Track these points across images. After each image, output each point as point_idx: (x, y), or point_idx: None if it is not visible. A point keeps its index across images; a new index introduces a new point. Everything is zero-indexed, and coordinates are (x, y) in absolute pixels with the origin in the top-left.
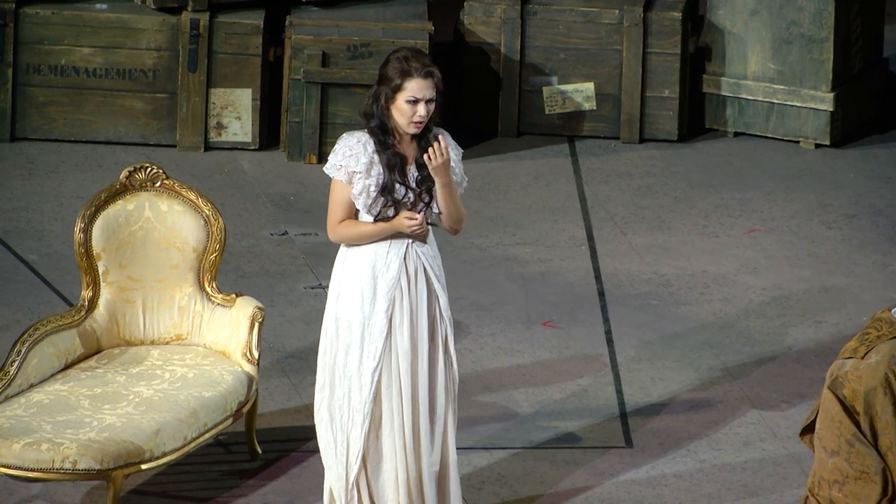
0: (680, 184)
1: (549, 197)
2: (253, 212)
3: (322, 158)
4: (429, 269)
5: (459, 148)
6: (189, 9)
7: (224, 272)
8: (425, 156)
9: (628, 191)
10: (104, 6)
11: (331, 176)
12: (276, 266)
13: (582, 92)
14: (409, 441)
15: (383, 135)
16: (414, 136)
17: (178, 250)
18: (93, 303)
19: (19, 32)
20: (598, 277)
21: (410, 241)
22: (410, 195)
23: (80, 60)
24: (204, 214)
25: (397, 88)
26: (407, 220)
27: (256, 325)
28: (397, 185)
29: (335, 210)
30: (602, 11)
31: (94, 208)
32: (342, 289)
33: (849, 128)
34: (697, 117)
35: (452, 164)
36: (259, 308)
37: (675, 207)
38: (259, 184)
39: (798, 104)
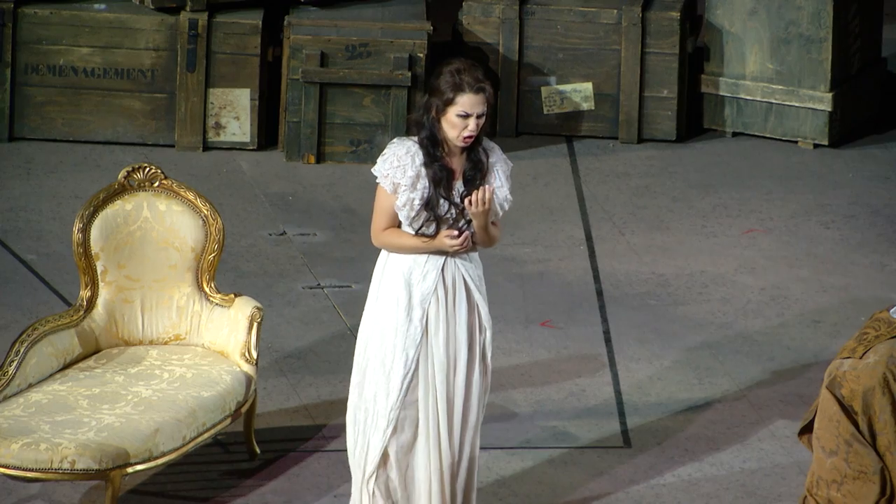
0: (678, 184)
1: (548, 197)
2: (251, 212)
3: (321, 158)
4: (468, 279)
5: (509, 162)
6: (187, 9)
7: (222, 272)
8: (466, 200)
9: (627, 191)
10: (102, 6)
11: (377, 181)
12: (274, 266)
13: (580, 92)
14: (444, 450)
15: (433, 147)
16: (463, 149)
17: (177, 250)
18: (91, 303)
19: (17, 32)
20: (596, 277)
21: (450, 253)
22: (453, 211)
23: (78, 60)
24: (202, 214)
25: (449, 102)
26: (448, 239)
27: (255, 325)
28: (441, 201)
29: (379, 216)
30: (600, 11)
31: (92, 208)
32: (381, 293)
33: (847, 128)
34: (696, 117)
35: (499, 183)
36: (257, 308)
37: (673, 207)
38: (257, 184)
39: (796, 104)
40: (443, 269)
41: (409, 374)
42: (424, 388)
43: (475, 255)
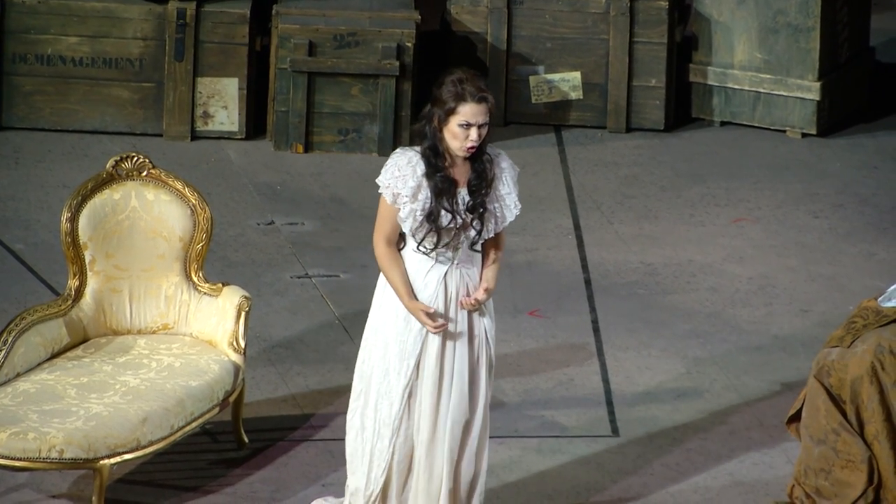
0: (666, 173)
1: (536, 186)
2: (239, 201)
3: (309, 147)
4: (472, 289)
5: (516, 167)
6: None
7: (210, 262)
8: (461, 301)
9: (615, 180)
10: None
11: (380, 191)
12: (262, 255)
13: (568, 81)
14: (435, 460)
15: (434, 157)
16: (467, 158)
17: (165, 240)
18: (79, 292)
19: (5, 21)
20: (584, 266)
21: (455, 262)
22: (458, 220)
23: (66, 50)
24: (190, 204)
25: (450, 112)
26: (426, 317)
27: (243, 314)
28: (443, 213)
29: (381, 223)
30: (588, 1)
31: (80, 198)
32: (383, 300)
33: (835, 117)
34: (684, 107)
35: (507, 189)
36: (245, 297)
37: (661, 197)
38: (245, 173)
39: (784, 93)
40: (445, 277)
41: (409, 384)
42: (420, 397)
43: (478, 260)
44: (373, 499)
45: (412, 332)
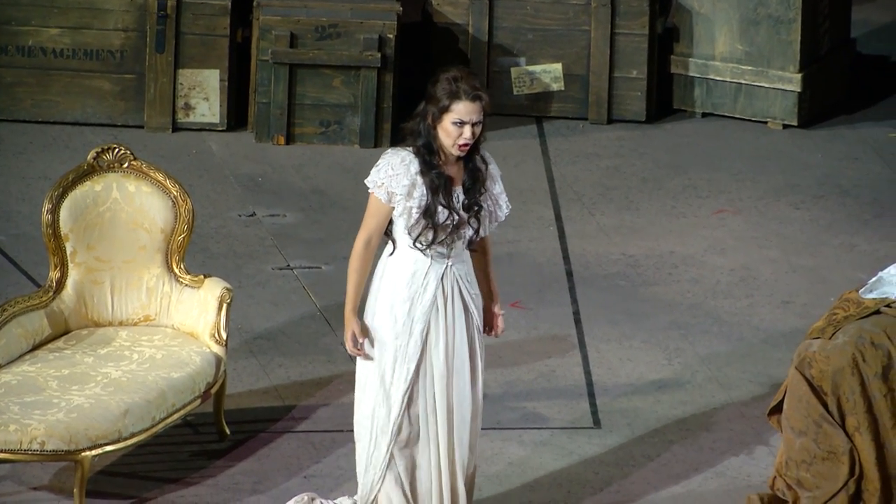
0: (648, 164)
1: (518, 178)
2: (221, 193)
3: (290, 139)
4: (465, 292)
5: (499, 169)
6: None
7: (192, 253)
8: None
9: (596, 171)
10: None
11: (370, 191)
12: (244, 247)
13: (550, 73)
14: (443, 459)
15: (429, 154)
16: (460, 157)
17: (146, 231)
18: (61, 284)
19: None
20: (566, 258)
21: (450, 262)
22: (455, 217)
23: (47, 41)
24: (172, 195)
25: (444, 109)
26: (350, 341)
27: (224, 306)
28: (440, 209)
29: (367, 221)
30: None
31: (61, 189)
32: (377, 307)
33: (816, 108)
34: (665, 98)
35: (499, 189)
36: (227, 289)
37: (642, 188)
38: (227, 165)
39: (766, 85)
40: (442, 278)
41: (409, 388)
42: (423, 400)
43: (470, 266)
44: (371, 501)
45: (413, 337)
